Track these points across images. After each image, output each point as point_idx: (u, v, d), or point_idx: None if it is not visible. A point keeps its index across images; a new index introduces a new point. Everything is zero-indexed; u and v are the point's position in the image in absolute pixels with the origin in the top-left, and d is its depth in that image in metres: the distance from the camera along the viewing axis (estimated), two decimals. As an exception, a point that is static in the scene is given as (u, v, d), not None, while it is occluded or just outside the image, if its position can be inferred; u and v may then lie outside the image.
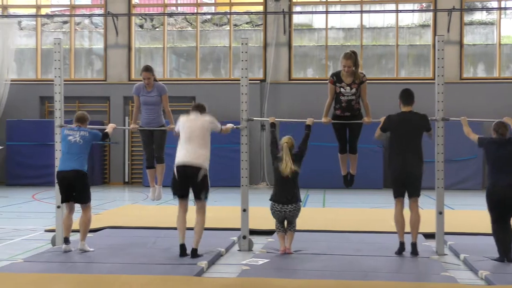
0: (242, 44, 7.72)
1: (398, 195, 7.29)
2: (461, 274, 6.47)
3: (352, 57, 7.39)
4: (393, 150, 7.39)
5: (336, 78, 7.54)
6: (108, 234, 8.75)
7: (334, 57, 18.37)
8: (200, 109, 7.27)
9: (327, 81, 7.66)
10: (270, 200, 7.36)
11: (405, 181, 7.23)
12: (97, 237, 8.36)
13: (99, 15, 19.22)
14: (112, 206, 12.65)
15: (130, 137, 18.10)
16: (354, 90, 7.49)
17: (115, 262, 6.77)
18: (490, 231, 8.89)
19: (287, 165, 7.19)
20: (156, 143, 8.48)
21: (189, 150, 7.01)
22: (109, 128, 8.02)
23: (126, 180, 18.32)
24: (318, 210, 12.18)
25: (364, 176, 13.38)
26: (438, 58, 7.54)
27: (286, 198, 7.23)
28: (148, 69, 8.33)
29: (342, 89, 7.50)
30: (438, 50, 7.55)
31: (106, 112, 18.33)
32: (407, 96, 7.44)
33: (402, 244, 7.27)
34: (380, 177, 16.78)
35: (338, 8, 19.07)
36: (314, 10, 19.32)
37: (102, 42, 18.77)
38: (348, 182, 8.09)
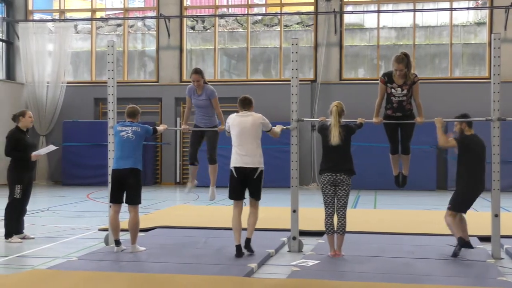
0: (292, 44, 7.69)
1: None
2: (518, 279, 6.27)
3: (404, 60, 7.26)
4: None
5: (388, 78, 7.43)
6: (159, 233, 8.85)
7: (386, 57, 18.13)
8: (248, 104, 7.30)
9: (378, 81, 7.56)
10: (319, 173, 7.25)
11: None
12: (148, 237, 8.48)
13: (151, 17, 19.52)
14: (164, 206, 12.81)
15: (182, 138, 18.31)
16: (405, 91, 7.37)
17: (166, 261, 6.85)
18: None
19: (335, 132, 7.04)
20: (209, 143, 8.54)
21: (243, 150, 7.06)
22: (161, 127, 8.10)
23: (178, 180, 18.54)
24: (369, 212, 12.04)
25: (416, 177, 13.23)
26: (494, 57, 7.33)
27: (337, 167, 7.04)
28: (197, 71, 8.37)
29: (393, 90, 7.39)
30: (494, 48, 7.34)
31: (158, 113, 18.60)
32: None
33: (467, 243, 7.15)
34: (433, 178, 16.47)
35: (390, 7, 18.79)
36: (365, 9, 19.11)
37: (155, 44, 19.04)
38: (400, 183, 7.97)
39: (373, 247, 7.74)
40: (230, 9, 20.60)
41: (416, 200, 14.10)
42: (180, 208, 12.43)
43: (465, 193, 7.25)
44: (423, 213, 11.80)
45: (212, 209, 11.94)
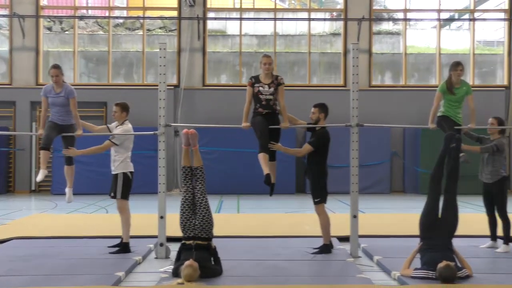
0: (160, 49, 7.62)
1: None
2: (375, 276, 6.65)
3: (270, 57, 7.70)
4: None
5: (255, 79, 7.72)
6: (17, 245, 8.35)
7: (248, 64, 18.54)
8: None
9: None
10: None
11: None
12: (4, 249, 7.99)
13: (3, 15, 18.42)
14: (19, 215, 12.11)
15: (37, 144, 17.42)
16: (272, 89, 7.62)
17: (28, 274, 6.47)
18: (400, 233, 9.29)
19: None
20: (66, 144, 8.05)
21: None
22: None
23: (33, 188, 17.63)
24: (233, 216, 12.19)
25: (276, 181, 13.55)
26: (353, 66, 7.71)
27: None
28: (56, 66, 7.97)
29: (260, 88, 7.61)
30: (353, 57, 7.73)
31: (12, 118, 17.59)
32: None
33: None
34: (293, 182, 17.02)
35: (251, 15, 19.26)
36: (228, 16, 19.40)
37: (7, 44, 17.99)
38: (270, 184, 7.85)
39: (241, 251, 7.86)
40: (90, 11, 20.00)
41: (278, 203, 14.48)
42: (38, 217, 11.81)
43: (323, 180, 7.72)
44: (285, 216, 12.18)
45: (71, 217, 11.49)
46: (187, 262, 5.92)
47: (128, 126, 7.85)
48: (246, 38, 18.86)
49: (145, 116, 15.91)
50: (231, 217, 11.73)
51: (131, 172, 7.79)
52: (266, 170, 7.38)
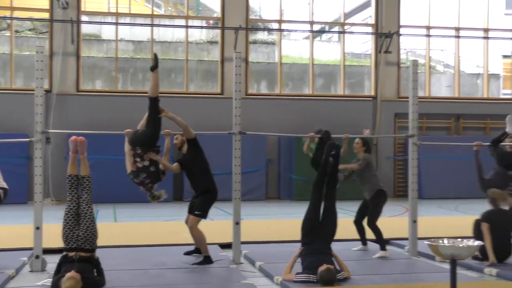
0: (37, 52, 7.28)
1: None
2: (258, 281, 6.77)
3: None
4: None
5: None
6: None
7: (124, 70, 18.19)
8: None
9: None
10: None
11: None
12: None
13: None
14: None
15: None
16: None
17: None
18: (280, 238, 9.54)
19: None
20: None
21: None
22: None
23: None
24: (111, 225, 11.88)
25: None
26: (236, 74, 7.80)
27: None
28: None
29: None
30: (236, 66, 7.82)
31: None
32: None
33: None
34: (170, 189, 16.89)
35: (128, 20, 18.92)
36: (103, 20, 18.90)
37: None
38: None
39: (123, 261, 7.68)
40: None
41: (155, 212, 14.30)
42: None
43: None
44: (163, 224, 12.06)
45: None
46: (68, 274, 5.70)
47: None
48: (122, 43, 18.50)
49: (13, 122, 15.14)
50: (109, 227, 11.41)
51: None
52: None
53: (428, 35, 19.59)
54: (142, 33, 18.68)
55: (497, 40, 20.32)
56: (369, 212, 8.29)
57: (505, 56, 21.71)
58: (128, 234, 10.23)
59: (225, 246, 8.64)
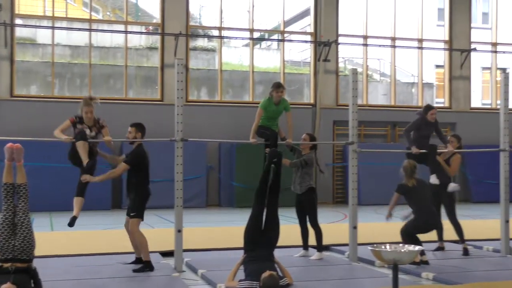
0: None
1: None
2: (202, 289, 6.74)
3: (89, 103, 7.61)
4: None
5: (79, 119, 7.65)
6: None
7: (61, 75, 17.79)
8: None
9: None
10: None
11: None
12: None
13: None
14: None
15: None
16: (93, 133, 7.67)
17: None
18: (221, 246, 9.51)
19: None
20: None
21: None
22: None
23: None
24: (47, 235, 11.55)
25: (92, 197, 13.07)
26: (178, 81, 7.76)
27: None
28: None
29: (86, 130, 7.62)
30: (178, 73, 7.78)
31: None
32: None
33: None
34: (109, 197, 16.62)
35: (64, 24, 18.48)
36: (38, 24, 18.41)
37: None
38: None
39: (60, 271, 7.49)
40: None
41: (93, 220, 14.01)
42: None
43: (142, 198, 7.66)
44: (102, 233, 11.83)
45: None
46: (3, 286, 5.49)
47: None
48: (58, 48, 18.08)
49: None
50: (45, 236, 11.09)
51: None
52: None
53: (366, 44, 20.04)
54: (79, 38, 18.29)
55: (430, 50, 20.97)
56: (309, 212, 8.52)
57: (438, 66, 22.41)
58: (65, 243, 9.98)
59: (166, 254, 8.55)
